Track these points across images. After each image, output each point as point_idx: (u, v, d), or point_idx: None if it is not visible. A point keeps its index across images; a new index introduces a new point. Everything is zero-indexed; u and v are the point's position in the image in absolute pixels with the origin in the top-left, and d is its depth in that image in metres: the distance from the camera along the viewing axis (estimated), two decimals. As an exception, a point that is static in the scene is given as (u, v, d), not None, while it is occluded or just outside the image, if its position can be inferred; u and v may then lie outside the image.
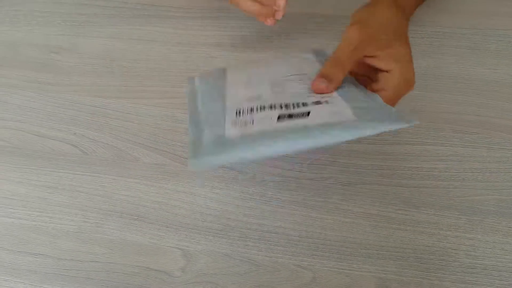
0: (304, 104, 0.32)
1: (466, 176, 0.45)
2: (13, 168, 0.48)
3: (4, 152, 0.49)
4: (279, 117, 0.31)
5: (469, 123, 0.48)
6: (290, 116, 0.31)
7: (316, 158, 0.47)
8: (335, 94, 0.34)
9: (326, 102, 0.32)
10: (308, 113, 0.31)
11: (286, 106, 0.32)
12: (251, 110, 0.32)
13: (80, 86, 0.54)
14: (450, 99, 0.50)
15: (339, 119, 0.30)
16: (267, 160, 0.45)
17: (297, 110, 0.31)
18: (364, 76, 0.38)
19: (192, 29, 0.58)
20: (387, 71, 0.36)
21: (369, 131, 0.29)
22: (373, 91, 0.37)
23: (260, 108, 0.32)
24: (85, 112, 0.52)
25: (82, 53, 0.57)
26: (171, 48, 0.56)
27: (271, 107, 0.32)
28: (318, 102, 0.32)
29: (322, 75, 0.34)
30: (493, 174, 0.45)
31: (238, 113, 0.32)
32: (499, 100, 0.50)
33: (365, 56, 0.36)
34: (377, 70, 0.37)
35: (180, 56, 0.55)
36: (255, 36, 0.56)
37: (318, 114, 0.31)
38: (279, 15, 0.48)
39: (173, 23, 0.58)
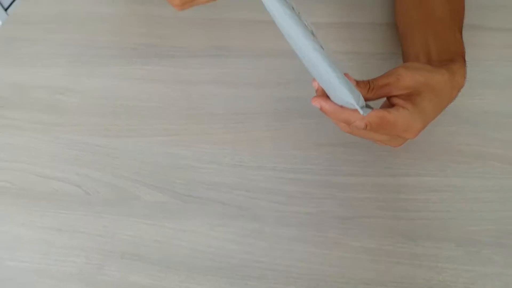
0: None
1: (460, 206, 0.46)
2: (17, 210, 0.49)
3: (8, 194, 0.50)
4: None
5: (461, 153, 0.50)
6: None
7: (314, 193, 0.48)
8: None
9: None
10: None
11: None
12: None
13: (84, 126, 0.55)
14: (441, 130, 0.51)
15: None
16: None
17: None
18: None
19: (192, 67, 0.60)
20: (401, 106, 0.39)
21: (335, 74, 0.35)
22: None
23: None
24: (88, 151, 0.53)
25: (86, 93, 0.59)
26: (172, 86, 0.58)
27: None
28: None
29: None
30: (487, 203, 0.46)
31: None
32: (488, 129, 0.51)
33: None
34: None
35: (181, 94, 0.57)
36: (253, 73, 0.58)
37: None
38: None
39: (174, 62, 0.61)
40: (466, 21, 0.61)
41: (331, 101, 0.39)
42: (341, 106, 0.38)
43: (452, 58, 0.46)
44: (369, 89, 0.40)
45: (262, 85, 0.57)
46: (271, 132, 0.53)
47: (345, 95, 0.36)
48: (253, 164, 0.51)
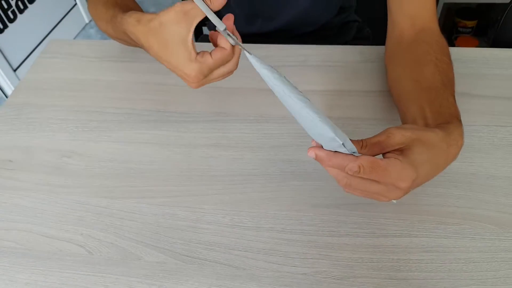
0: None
1: (451, 267, 0.47)
2: (22, 270, 0.50)
3: (14, 254, 0.52)
4: None
5: (451, 214, 0.52)
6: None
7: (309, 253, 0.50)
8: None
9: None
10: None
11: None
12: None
13: (89, 188, 0.58)
14: (431, 191, 0.54)
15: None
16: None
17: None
18: None
19: (193, 131, 0.64)
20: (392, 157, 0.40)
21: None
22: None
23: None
24: (92, 212, 0.55)
25: (92, 156, 0.62)
26: (174, 149, 0.62)
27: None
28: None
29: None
30: (477, 264, 0.47)
31: None
32: (477, 191, 0.54)
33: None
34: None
35: (182, 157, 0.60)
36: (250, 137, 0.62)
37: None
38: None
39: (176, 127, 0.64)
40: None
41: (325, 149, 0.41)
42: (335, 152, 0.40)
43: (447, 120, 0.49)
44: (362, 146, 0.42)
45: (259, 149, 0.60)
46: (268, 194, 0.55)
47: (327, 132, 0.38)
48: (251, 224, 0.52)
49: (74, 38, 2.17)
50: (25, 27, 1.83)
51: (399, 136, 0.42)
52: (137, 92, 0.70)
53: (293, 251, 0.50)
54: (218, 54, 0.47)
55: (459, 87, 0.66)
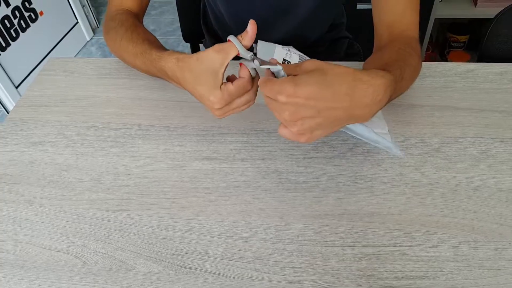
0: None
1: (436, 275, 0.49)
2: (19, 281, 0.52)
3: (11, 265, 0.53)
4: None
5: (436, 223, 0.53)
6: None
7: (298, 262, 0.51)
8: None
9: None
10: None
11: None
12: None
13: (85, 201, 0.60)
14: (416, 202, 0.55)
15: None
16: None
17: None
18: None
19: (187, 145, 0.65)
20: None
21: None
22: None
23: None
24: (88, 224, 0.57)
25: (89, 170, 0.64)
26: (168, 163, 0.63)
27: None
28: None
29: None
30: (461, 272, 0.49)
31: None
32: (461, 201, 0.55)
33: None
34: None
35: (176, 169, 0.62)
36: (242, 149, 0.64)
37: None
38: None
39: (171, 141, 0.66)
40: (440, 102, 0.68)
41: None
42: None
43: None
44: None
45: (250, 161, 0.62)
46: (259, 205, 0.57)
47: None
48: (241, 235, 0.54)
49: (75, 56, 2.21)
50: (27, 45, 1.87)
51: (308, 63, 0.46)
52: (133, 108, 0.73)
53: (282, 261, 0.51)
54: (238, 82, 0.53)
55: (445, 100, 0.69)
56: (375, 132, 0.55)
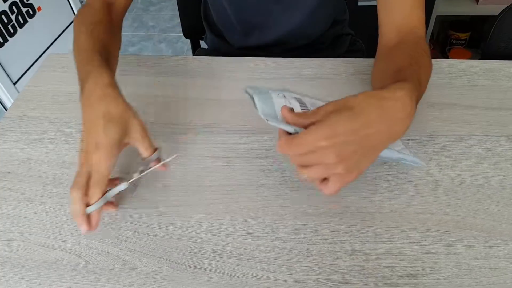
0: None
1: (441, 274, 0.48)
2: (19, 280, 0.51)
3: (12, 263, 0.53)
4: None
5: (441, 222, 0.53)
6: None
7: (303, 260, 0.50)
8: None
9: None
10: None
11: None
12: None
13: (86, 198, 0.59)
14: (421, 200, 0.55)
15: None
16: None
17: None
18: None
19: (189, 142, 0.65)
20: None
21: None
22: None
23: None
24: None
25: (89, 167, 0.63)
26: (171, 160, 0.63)
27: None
28: None
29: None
30: (467, 271, 0.48)
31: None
32: (466, 200, 0.55)
33: None
34: None
35: (178, 167, 0.62)
36: (245, 147, 0.63)
37: None
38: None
39: (172, 138, 0.66)
40: (444, 99, 0.67)
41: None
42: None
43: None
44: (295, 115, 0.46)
45: (253, 159, 0.61)
46: (262, 203, 0.56)
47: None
48: (245, 233, 0.53)
49: (73, 52, 2.19)
50: (25, 41, 1.85)
51: (327, 106, 0.44)
52: (134, 105, 0.72)
53: (286, 259, 0.51)
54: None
55: (450, 98, 0.68)
56: (397, 151, 0.54)
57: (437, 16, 1.62)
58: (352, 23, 0.95)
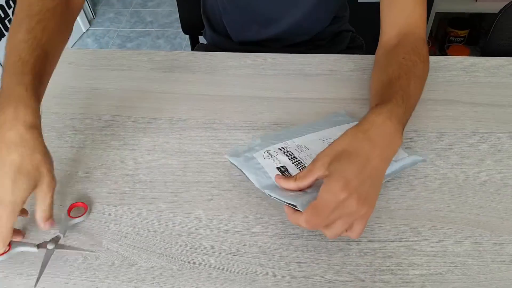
0: None
1: (442, 270, 0.48)
2: (17, 276, 0.51)
3: (9, 261, 0.52)
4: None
5: (442, 218, 0.53)
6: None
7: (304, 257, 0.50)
8: None
9: None
10: None
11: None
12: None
13: (84, 194, 0.58)
14: (422, 197, 0.55)
15: None
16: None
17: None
18: None
19: (189, 138, 0.64)
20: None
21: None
22: None
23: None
24: (89, 218, 0.56)
25: (89, 163, 0.62)
26: (170, 156, 0.62)
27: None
28: None
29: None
30: (467, 267, 0.48)
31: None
32: (467, 196, 0.55)
33: None
34: None
35: (178, 163, 0.61)
36: (244, 143, 0.63)
37: None
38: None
39: (172, 134, 0.65)
40: (444, 96, 0.67)
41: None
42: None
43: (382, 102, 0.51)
44: (296, 179, 0.48)
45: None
46: (263, 199, 0.56)
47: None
48: (246, 229, 0.53)
49: (71, 47, 2.18)
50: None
51: (320, 157, 0.47)
52: (133, 100, 0.71)
53: (287, 255, 0.51)
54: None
55: (450, 95, 0.68)
56: (394, 161, 0.54)
57: (436, 13, 1.62)
58: (352, 20, 0.95)
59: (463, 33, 1.81)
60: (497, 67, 0.72)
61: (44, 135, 0.66)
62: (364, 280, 0.48)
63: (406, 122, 0.53)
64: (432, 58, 0.74)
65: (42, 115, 0.70)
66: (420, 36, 0.61)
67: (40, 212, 0.50)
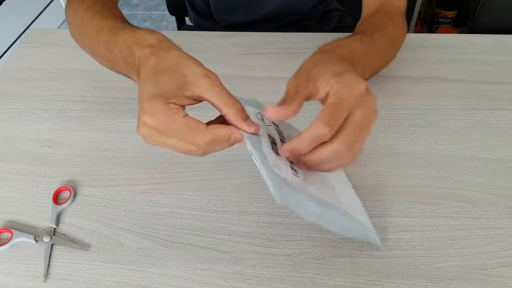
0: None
1: (429, 245, 0.49)
2: (3, 260, 0.50)
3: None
4: None
5: (429, 194, 0.53)
6: None
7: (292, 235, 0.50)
8: None
9: None
10: None
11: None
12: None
13: (70, 177, 0.58)
14: (409, 173, 0.55)
15: None
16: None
17: None
18: None
19: (175, 119, 0.63)
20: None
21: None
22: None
23: None
24: (74, 201, 0.55)
25: (74, 145, 0.61)
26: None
27: None
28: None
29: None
30: (454, 241, 0.49)
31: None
32: (453, 172, 0.55)
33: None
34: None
35: (164, 144, 0.60)
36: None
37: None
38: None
39: (158, 115, 0.64)
40: (432, 74, 0.67)
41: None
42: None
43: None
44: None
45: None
46: (251, 178, 0.56)
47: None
48: (234, 209, 0.53)
49: (57, 28, 2.13)
50: (4, 19, 1.79)
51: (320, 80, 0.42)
52: (118, 81, 0.69)
53: (276, 234, 0.51)
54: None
55: (438, 72, 0.68)
56: (361, 222, 0.46)
57: (424, -7, 1.61)
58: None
59: (451, 14, 1.80)
60: (484, 44, 0.72)
61: (27, 117, 0.65)
62: (353, 256, 0.48)
63: (369, 67, 0.53)
64: (421, 36, 0.74)
65: (26, 98, 0.69)
66: (398, 6, 0.61)
67: (228, 114, 0.44)
